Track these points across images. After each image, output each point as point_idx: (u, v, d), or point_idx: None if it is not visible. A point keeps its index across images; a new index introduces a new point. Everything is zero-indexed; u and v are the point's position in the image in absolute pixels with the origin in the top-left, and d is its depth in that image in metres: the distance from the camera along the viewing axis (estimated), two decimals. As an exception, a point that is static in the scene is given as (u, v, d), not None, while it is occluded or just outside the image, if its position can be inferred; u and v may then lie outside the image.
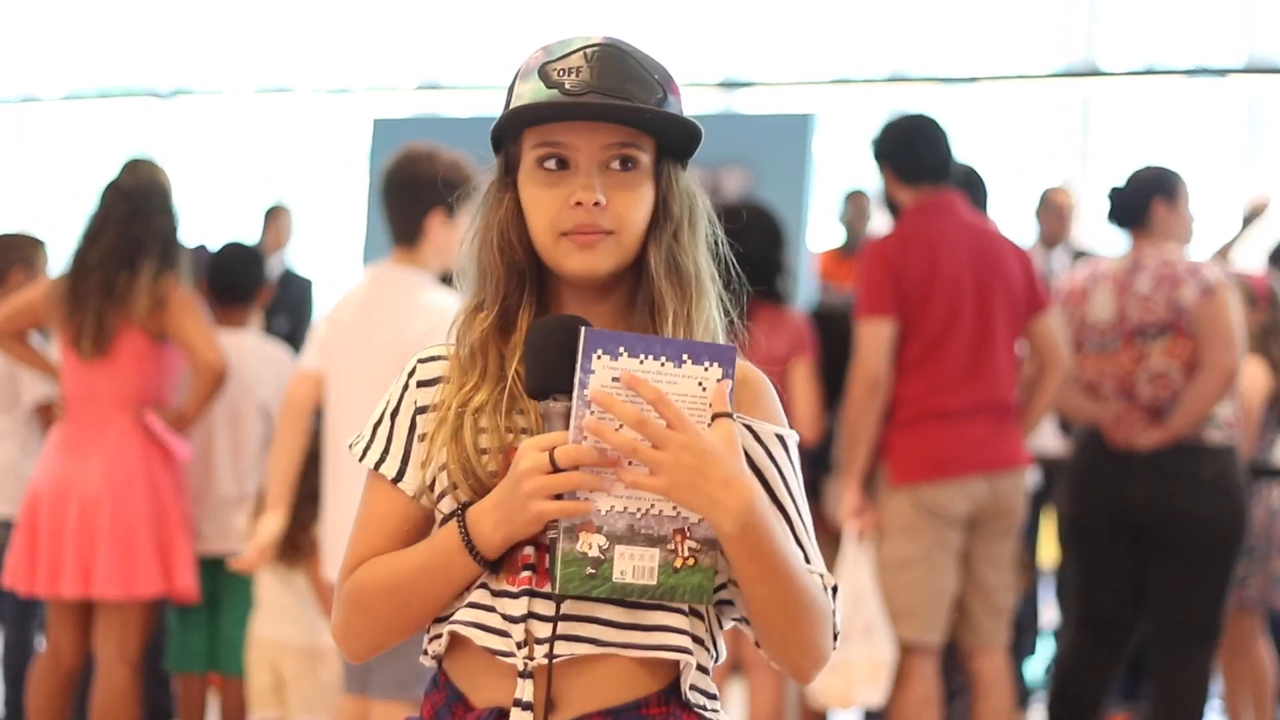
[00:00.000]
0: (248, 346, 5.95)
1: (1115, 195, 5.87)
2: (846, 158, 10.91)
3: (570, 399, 2.04)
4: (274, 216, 9.52)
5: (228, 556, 5.86)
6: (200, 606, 5.89)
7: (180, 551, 5.48)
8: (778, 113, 11.53)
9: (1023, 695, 7.09)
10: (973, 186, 6.09)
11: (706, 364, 2.04)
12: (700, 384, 2.04)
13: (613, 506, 2.03)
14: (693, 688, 2.14)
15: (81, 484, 5.41)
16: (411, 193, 4.70)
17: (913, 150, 5.63)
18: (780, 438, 2.18)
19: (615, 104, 2.10)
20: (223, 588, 5.91)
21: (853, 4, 12.33)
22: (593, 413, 2.02)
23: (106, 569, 5.37)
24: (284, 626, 5.65)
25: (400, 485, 2.19)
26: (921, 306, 5.46)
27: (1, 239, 6.69)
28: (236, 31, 13.44)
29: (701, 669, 2.15)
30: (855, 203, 9.82)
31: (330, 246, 12.25)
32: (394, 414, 2.23)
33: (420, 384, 2.22)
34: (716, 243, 2.23)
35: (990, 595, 5.59)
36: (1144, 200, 5.79)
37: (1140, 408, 5.68)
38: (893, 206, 5.82)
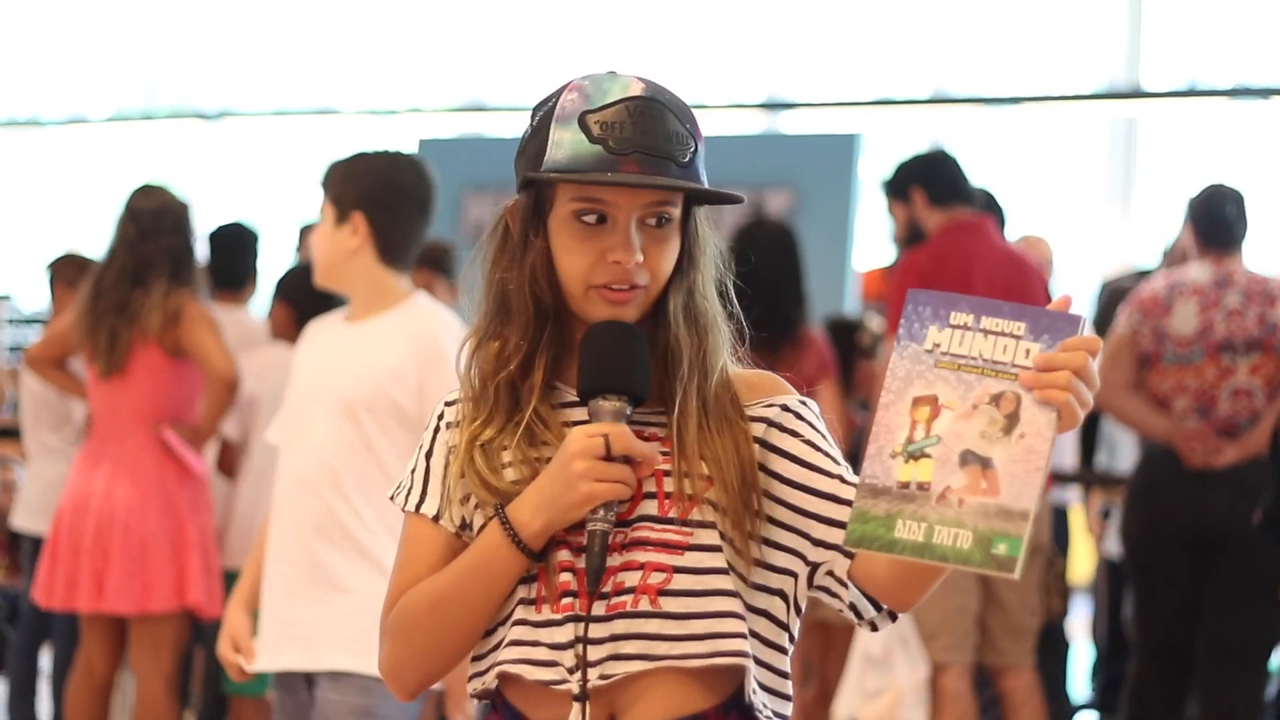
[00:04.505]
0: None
1: (1221, 212, 5.75)
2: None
3: (618, 399, 2.10)
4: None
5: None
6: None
7: (195, 567, 5.52)
8: (823, 133, 11.51)
9: (1068, 712, 7.07)
10: (992, 210, 6.10)
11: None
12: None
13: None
14: (761, 688, 2.13)
15: (99, 499, 5.50)
16: None
17: (947, 172, 5.69)
18: (788, 407, 2.19)
19: (661, 180, 2.10)
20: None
21: (897, 25, 12.34)
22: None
23: (119, 584, 5.45)
24: None
25: (441, 522, 2.21)
26: None
27: (50, 261, 6.77)
28: (282, 53, 13.52)
29: (766, 664, 2.16)
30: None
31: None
32: (428, 455, 2.25)
33: (449, 425, 2.24)
34: (722, 280, 2.23)
35: (1010, 616, 5.58)
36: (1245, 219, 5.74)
37: (1215, 424, 5.60)
38: (910, 240, 5.81)
